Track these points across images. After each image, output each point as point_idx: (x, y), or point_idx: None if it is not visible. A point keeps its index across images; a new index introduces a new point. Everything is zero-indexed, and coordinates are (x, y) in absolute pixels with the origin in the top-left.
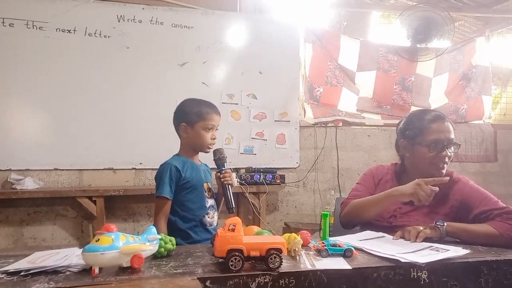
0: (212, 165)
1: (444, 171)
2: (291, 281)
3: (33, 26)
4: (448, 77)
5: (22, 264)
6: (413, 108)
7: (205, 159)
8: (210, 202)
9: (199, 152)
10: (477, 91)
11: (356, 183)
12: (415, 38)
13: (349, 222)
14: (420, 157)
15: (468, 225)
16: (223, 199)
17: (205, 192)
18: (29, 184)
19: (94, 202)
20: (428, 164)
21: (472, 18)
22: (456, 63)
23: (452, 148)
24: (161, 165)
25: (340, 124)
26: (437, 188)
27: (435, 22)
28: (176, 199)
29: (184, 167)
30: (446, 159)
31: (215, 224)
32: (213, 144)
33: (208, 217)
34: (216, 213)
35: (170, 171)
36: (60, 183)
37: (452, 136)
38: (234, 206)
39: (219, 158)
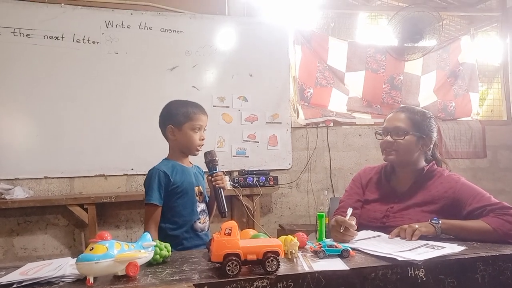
0: (205, 167)
1: (389, 157)
2: (289, 284)
3: (20, 33)
4: (436, 75)
5: (14, 276)
6: None
7: (197, 162)
8: (201, 206)
9: (188, 155)
10: (464, 89)
11: (345, 190)
12: (409, 38)
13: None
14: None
15: (462, 222)
16: (216, 203)
17: (196, 196)
18: (19, 193)
19: (86, 209)
20: (381, 151)
21: (456, 17)
22: (442, 61)
23: (394, 135)
24: (149, 171)
25: (331, 124)
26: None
27: (425, 21)
28: (166, 205)
29: (173, 172)
30: (385, 145)
31: (206, 230)
32: (202, 145)
33: (200, 222)
34: (207, 218)
35: (158, 177)
36: (51, 192)
37: (397, 123)
38: (226, 211)
39: (210, 161)
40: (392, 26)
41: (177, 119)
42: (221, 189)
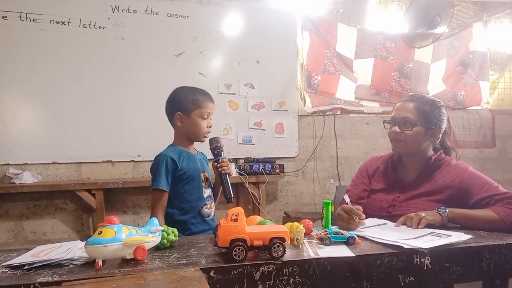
0: (208, 153)
1: (396, 148)
2: (295, 269)
3: (26, 18)
4: (446, 63)
5: (25, 258)
6: None
7: (201, 148)
8: (208, 192)
9: (194, 141)
10: (474, 77)
11: (351, 179)
12: (425, 25)
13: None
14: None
15: (469, 211)
16: (221, 189)
17: (202, 182)
18: (28, 178)
19: (93, 195)
20: (390, 140)
21: (469, 3)
22: (453, 49)
23: (402, 126)
24: (156, 157)
25: (339, 112)
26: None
27: (439, 7)
28: (173, 191)
29: (180, 158)
30: (392, 135)
31: (212, 215)
32: (209, 132)
33: (206, 208)
34: (213, 204)
35: (166, 163)
36: (59, 177)
37: (405, 114)
38: (232, 196)
39: (215, 147)
40: (408, 14)
41: (185, 106)
42: (227, 175)
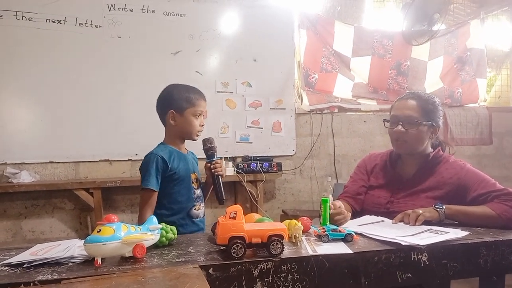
0: (199, 153)
1: (399, 149)
2: (293, 266)
3: (22, 17)
4: (443, 61)
5: (24, 256)
6: None
7: (192, 147)
8: (197, 192)
9: (186, 140)
10: (471, 75)
11: (350, 176)
12: (425, 21)
13: None
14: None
15: (466, 208)
16: (211, 189)
17: (193, 183)
18: (25, 177)
19: (91, 194)
20: (391, 140)
21: (466, 0)
22: (450, 47)
23: (406, 125)
24: (146, 156)
25: (336, 110)
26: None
27: (435, 4)
28: (162, 191)
29: (171, 158)
30: (396, 135)
31: (201, 216)
32: (202, 131)
33: (195, 209)
34: (202, 204)
35: (156, 162)
36: (56, 176)
37: (409, 113)
38: (225, 198)
39: (209, 148)
40: (404, 10)
41: (179, 104)
42: (220, 177)
